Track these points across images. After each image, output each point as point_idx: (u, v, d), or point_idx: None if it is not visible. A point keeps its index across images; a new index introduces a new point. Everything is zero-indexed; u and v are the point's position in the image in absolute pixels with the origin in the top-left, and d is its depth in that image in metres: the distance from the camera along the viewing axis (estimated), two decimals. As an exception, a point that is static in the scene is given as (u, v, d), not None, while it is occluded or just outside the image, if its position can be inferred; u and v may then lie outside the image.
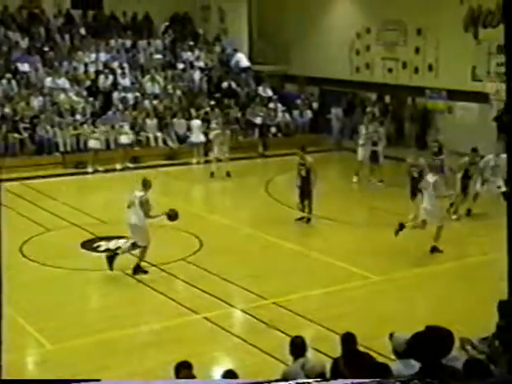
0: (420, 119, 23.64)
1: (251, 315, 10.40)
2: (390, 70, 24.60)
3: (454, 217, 15.33)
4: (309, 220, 15.07)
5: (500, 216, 15.51)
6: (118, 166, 20.96)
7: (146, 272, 12.00)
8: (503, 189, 14.41)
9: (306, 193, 15.00)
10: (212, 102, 24.28)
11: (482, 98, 21.44)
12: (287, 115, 25.23)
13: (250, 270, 12.34)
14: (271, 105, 25.22)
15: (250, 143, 23.45)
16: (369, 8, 24.99)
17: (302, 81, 27.25)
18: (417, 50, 23.73)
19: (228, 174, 19.62)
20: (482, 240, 13.99)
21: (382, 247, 13.62)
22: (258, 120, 24.07)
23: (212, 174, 19.69)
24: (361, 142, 19.09)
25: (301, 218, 15.16)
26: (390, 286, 11.64)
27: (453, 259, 12.93)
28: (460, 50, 21.97)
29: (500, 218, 15.37)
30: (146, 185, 11.96)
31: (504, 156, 15.05)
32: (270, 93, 25.99)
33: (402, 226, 12.97)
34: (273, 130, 24.48)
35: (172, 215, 11.93)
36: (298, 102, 25.97)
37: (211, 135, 20.99)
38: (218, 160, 19.89)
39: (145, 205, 11.68)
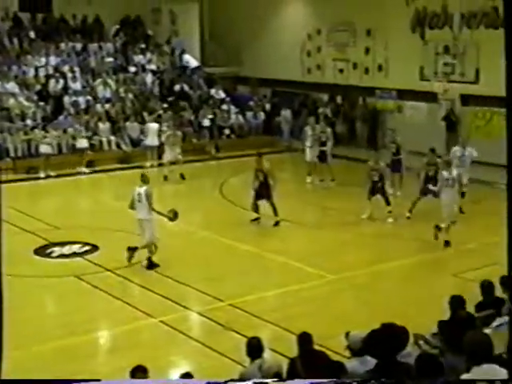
0: (371, 119, 23.94)
1: (207, 317, 10.39)
2: (341, 71, 24.86)
3: (389, 220, 15.41)
4: (277, 223, 15.04)
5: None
6: (75, 171, 20.70)
7: (157, 265, 12.26)
8: (464, 189, 14.72)
9: (263, 196, 15.02)
10: (165, 105, 24.17)
11: (430, 97, 21.83)
12: (240, 117, 25.27)
13: (205, 272, 12.34)
14: (224, 106, 25.24)
15: (203, 145, 23.42)
16: (319, 9, 25.21)
17: (254, 82, 27.34)
18: (367, 51, 24.03)
19: (182, 177, 19.57)
20: (429, 238, 14.21)
21: (336, 246, 13.77)
22: (207, 122, 24.03)
23: (165, 178, 19.60)
24: (308, 143, 19.11)
25: (255, 219, 15.20)
26: (344, 284, 11.76)
27: (405, 257, 13.10)
28: (408, 50, 22.34)
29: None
30: (145, 180, 12.52)
31: (470, 149, 15.42)
32: (222, 95, 25.99)
33: (438, 228, 13.22)
34: (226, 131, 24.50)
35: (172, 217, 12.64)
36: (251, 103, 26.04)
37: (163, 138, 20.90)
38: (172, 163, 19.83)
39: (150, 197, 12.23)
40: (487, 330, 6.57)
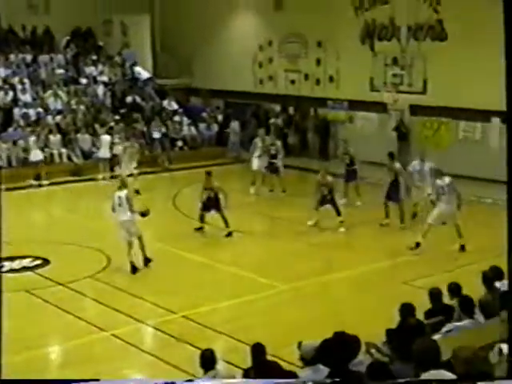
0: (322, 130, 24.15)
1: (160, 330, 10.33)
2: (293, 82, 25.05)
3: (341, 229, 15.56)
4: (230, 234, 15.04)
5: (391, 222, 16.14)
6: (26, 184, 20.37)
7: (150, 260, 13.06)
8: (433, 196, 14.87)
9: (211, 207, 15.04)
10: (116, 117, 24.00)
11: (380, 107, 22.18)
12: (193, 128, 25.24)
13: (158, 284, 12.27)
14: (176, 118, 25.17)
15: (155, 157, 23.32)
16: (270, 20, 25.39)
17: (206, 94, 27.37)
18: (318, 62, 24.27)
19: (137, 192, 19.23)
20: (386, 245, 14.42)
21: (288, 256, 13.85)
22: (159, 134, 23.91)
23: (137, 192, 19.26)
24: (256, 153, 19.05)
25: (199, 229, 15.17)
26: (296, 294, 11.81)
27: (356, 266, 13.24)
28: (358, 61, 22.65)
29: (392, 223, 16.00)
30: (125, 184, 13.40)
31: (428, 163, 15.58)
32: (175, 106, 25.93)
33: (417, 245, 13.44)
34: (179, 143, 24.43)
35: (145, 212, 13.36)
36: (204, 114, 26.04)
37: (116, 150, 20.69)
38: (129, 175, 19.44)
39: (130, 200, 13.04)
40: (436, 337, 6.69)
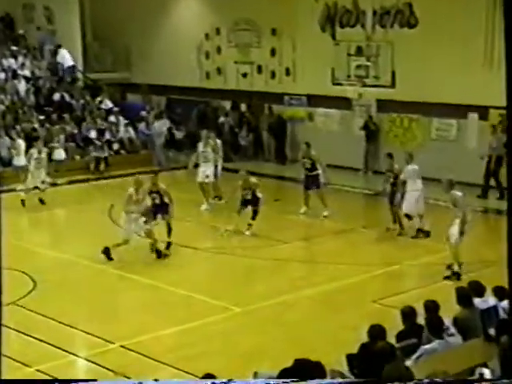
0: (279, 129, 24.26)
1: (96, 363, 10.24)
2: (245, 75, 25.14)
3: (247, 232, 16.01)
4: (169, 245, 15.03)
5: (360, 233, 16.35)
6: None
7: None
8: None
9: (159, 213, 15.05)
10: (41, 117, 23.72)
11: (344, 103, 22.38)
12: (131, 129, 25.07)
13: (93, 310, 12.16)
14: (112, 118, 24.99)
15: (88, 163, 23.11)
16: (217, 6, 25.44)
17: (146, 90, 27.27)
18: (272, 52, 24.39)
19: (41, 202, 18.88)
20: (355, 260, 14.57)
21: (242, 274, 13.87)
22: (92, 136, 23.71)
23: (42, 201, 19.05)
24: (200, 161, 18.90)
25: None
26: (252, 317, 11.82)
27: (320, 283, 13.32)
28: (318, 51, 22.83)
29: (361, 235, 16.22)
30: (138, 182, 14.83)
31: (411, 167, 15.77)
32: (109, 104, 25.74)
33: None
34: (115, 146, 24.25)
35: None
36: (143, 113, 25.92)
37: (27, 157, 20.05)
38: (39, 184, 19.06)
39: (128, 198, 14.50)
40: (408, 362, 6.78)
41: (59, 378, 9.35)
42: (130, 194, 14.60)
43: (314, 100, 23.42)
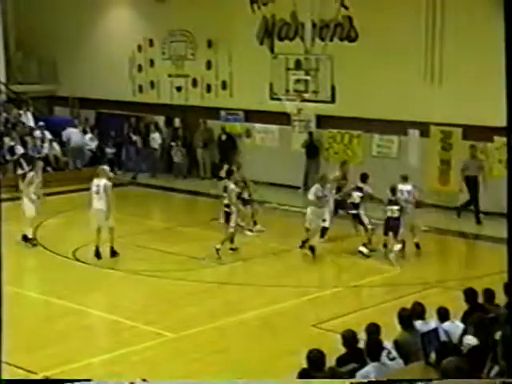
0: (214, 145, 24.26)
1: (18, 395, 9.98)
2: (179, 89, 25.11)
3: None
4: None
5: (298, 254, 16.35)
6: None
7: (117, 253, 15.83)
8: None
9: None
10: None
11: (283, 119, 22.50)
12: (56, 146, 24.69)
13: (12, 339, 11.81)
14: (37, 133, 24.59)
15: (10, 182, 22.65)
16: (150, 15, 25.42)
17: (75, 103, 26.99)
18: (208, 65, 24.42)
19: None
20: (294, 281, 14.61)
21: (176, 298, 13.77)
22: (16, 152, 23.32)
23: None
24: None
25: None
26: (186, 343, 11.74)
27: (258, 306, 13.31)
28: (256, 65, 22.95)
29: (299, 256, 16.23)
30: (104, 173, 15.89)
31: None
32: (30, 119, 25.30)
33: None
34: (40, 163, 23.80)
35: None
36: (71, 129, 25.60)
37: None
38: None
39: (108, 190, 15.67)
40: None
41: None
42: None
43: (251, 115, 23.53)
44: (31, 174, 17.23)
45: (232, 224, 15.64)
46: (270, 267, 15.67)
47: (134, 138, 25.06)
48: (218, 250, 15.58)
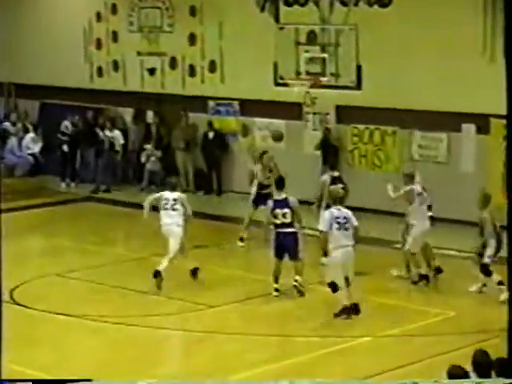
0: (200, 145, 24.24)
1: None
2: (152, 72, 25.11)
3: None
4: None
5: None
6: None
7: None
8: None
9: None
10: None
11: (291, 111, 22.47)
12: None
13: None
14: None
15: None
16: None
17: (11, 90, 27.06)
18: (191, 40, 24.36)
19: None
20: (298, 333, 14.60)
21: (150, 352, 13.82)
22: None
23: None
24: None
25: None
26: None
27: (252, 365, 13.28)
28: (255, 39, 22.91)
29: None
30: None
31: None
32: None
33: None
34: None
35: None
36: (7, 125, 25.71)
37: None
38: None
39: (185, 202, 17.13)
40: None
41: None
42: None
43: (249, 106, 23.55)
44: None
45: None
46: (277, 307, 15.70)
47: (92, 137, 25.06)
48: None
